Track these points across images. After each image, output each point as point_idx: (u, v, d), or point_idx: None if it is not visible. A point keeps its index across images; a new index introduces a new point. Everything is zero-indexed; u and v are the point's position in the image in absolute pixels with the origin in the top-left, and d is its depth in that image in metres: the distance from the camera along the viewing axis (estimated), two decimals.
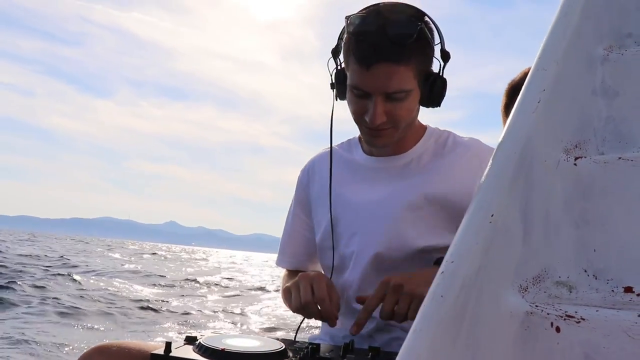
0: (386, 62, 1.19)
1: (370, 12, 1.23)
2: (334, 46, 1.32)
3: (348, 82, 1.28)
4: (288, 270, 1.58)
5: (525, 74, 1.87)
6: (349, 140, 1.52)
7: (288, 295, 1.39)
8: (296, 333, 1.37)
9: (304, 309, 1.20)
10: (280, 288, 1.57)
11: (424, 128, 1.41)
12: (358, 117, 1.28)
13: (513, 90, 1.87)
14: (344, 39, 1.29)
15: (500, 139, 0.86)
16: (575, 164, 0.85)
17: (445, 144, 1.40)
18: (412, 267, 1.29)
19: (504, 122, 1.90)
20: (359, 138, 1.48)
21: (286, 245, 1.54)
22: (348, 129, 1.54)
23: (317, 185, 1.47)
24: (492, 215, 0.74)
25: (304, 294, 1.20)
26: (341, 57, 1.33)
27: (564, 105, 0.93)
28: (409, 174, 1.35)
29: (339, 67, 1.33)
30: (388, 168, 1.37)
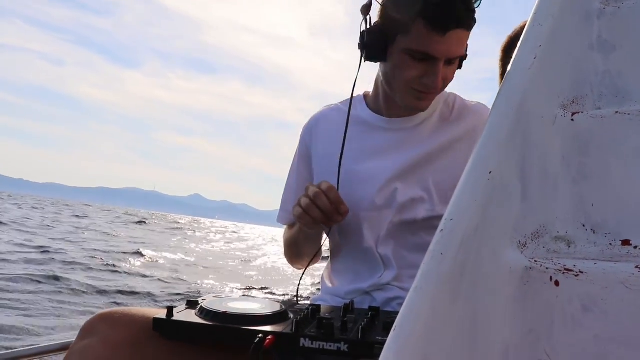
0: (461, 29, 1.19)
1: None
2: (364, 3, 1.27)
3: (407, 45, 1.22)
4: (289, 227, 1.58)
5: (522, 27, 1.85)
6: (351, 98, 1.49)
7: (294, 241, 1.40)
8: (297, 290, 1.38)
9: (315, 200, 1.18)
10: (284, 247, 1.57)
11: None
12: (412, 81, 1.25)
13: (510, 43, 1.84)
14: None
15: (496, 96, 0.85)
16: (572, 120, 0.85)
17: (453, 106, 1.39)
18: (416, 240, 1.30)
19: (500, 76, 1.88)
20: (364, 95, 1.46)
21: (289, 202, 1.53)
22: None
23: (323, 143, 1.45)
24: (490, 172, 0.74)
25: (312, 191, 1.20)
26: (374, 15, 1.28)
27: (561, 60, 0.92)
28: (416, 138, 1.34)
29: (373, 26, 1.28)
30: (396, 130, 1.36)
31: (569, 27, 0.95)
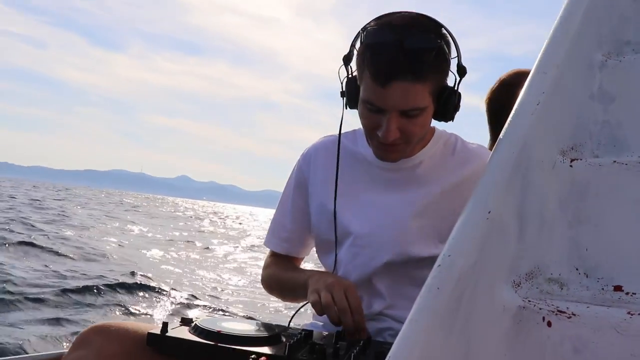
0: (403, 81, 1.16)
1: (387, 25, 1.19)
2: (346, 53, 1.28)
3: (361, 95, 1.24)
4: (275, 254, 1.56)
5: (509, 77, 1.89)
6: (354, 131, 1.48)
7: (287, 286, 1.40)
8: (291, 318, 1.38)
9: (340, 315, 1.17)
10: (266, 275, 1.56)
11: (432, 130, 1.40)
12: (370, 132, 1.26)
13: (499, 90, 1.89)
14: (357, 49, 1.25)
15: (499, 138, 0.88)
16: (571, 166, 0.88)
17: (454, 148, 1.38)
18: (413, 274, 1.30)
19: (488, 121, 1.91)
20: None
21: (281, 229, 1.53)
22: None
23: (320, 176, 1.45)
24: (489, 212, 0.76)
25: (340, 300, 1.17)
26: (353, 65, 1.29)
27: (562, 108, 0.95)
28: (419, 179, 1.34)
29: (349, 76, 1.30)
30: (396, 169, 1.35)
31: (572, 76, 0.98)
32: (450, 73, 1.26)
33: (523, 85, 1.88)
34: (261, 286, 1.60)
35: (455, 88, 1.26)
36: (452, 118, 1.29)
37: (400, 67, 1.16)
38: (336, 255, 1.39)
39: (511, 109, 1.92)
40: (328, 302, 1.18)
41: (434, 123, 1.35)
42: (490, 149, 1.70)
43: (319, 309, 1.19)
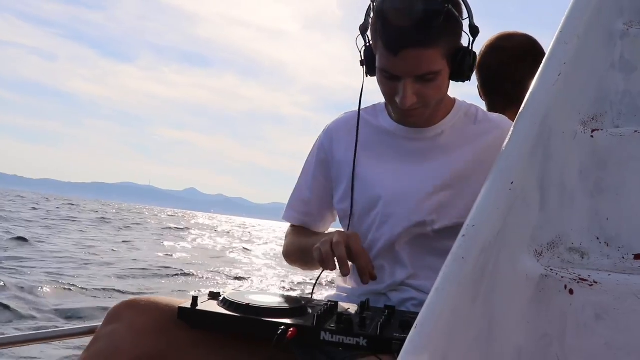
0: (414, 48, 1.18)
1: None
2: (362, 23, 1.32)
3: (377, 64, 1.27)
4: (294, 227, 1.58)
5: (494, 40, 1.86)
6: (374, 105, 1.48)
7: (306, 252, 1.42)
8: (314, 287, 1.40)
9: (339, 265, 1.19)
10: (286, 246, 1.58)
11: (452, 101, 1.40)
12: (389, 98, 1.29)
13: (482, 69, 1.86)
14: (371, 18, 1.29)
15: (521, 109, 0.89)
16: (592, 136, 0.89)
17: (475, 118, 1.39)
18: (435, 244, 1.32)
19: (480, 87, 1.88)
20: (385, 104, 1.48)
21: (300, 203, 1.54)
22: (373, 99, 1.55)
23: (342, 150, 1.46)
24: (511, 183, 0.77)
25: (338, 250, 1.20)
26: (369, 34, 1.31)
27: (583, 78, 0.96)
28: (441, 148, 1.35)
29: (367, 45, 1.32)
30: (418, 139, 1.37)
31: (593, 46, 0.99)
32: (464, 33, 1.28)
33: (510, 49, 1.82)
34: None
35: (470, 48, 1.28)
36: (468, 78, 1.31)
37: (410, 34, 1.18)
38: (349, 224, 1.41)
39: (502, 74, 1.87)
40: (326, 253, 1.21)
41: (455, 95, 1.36)
42: None
43: (320, 263, 1.23)
